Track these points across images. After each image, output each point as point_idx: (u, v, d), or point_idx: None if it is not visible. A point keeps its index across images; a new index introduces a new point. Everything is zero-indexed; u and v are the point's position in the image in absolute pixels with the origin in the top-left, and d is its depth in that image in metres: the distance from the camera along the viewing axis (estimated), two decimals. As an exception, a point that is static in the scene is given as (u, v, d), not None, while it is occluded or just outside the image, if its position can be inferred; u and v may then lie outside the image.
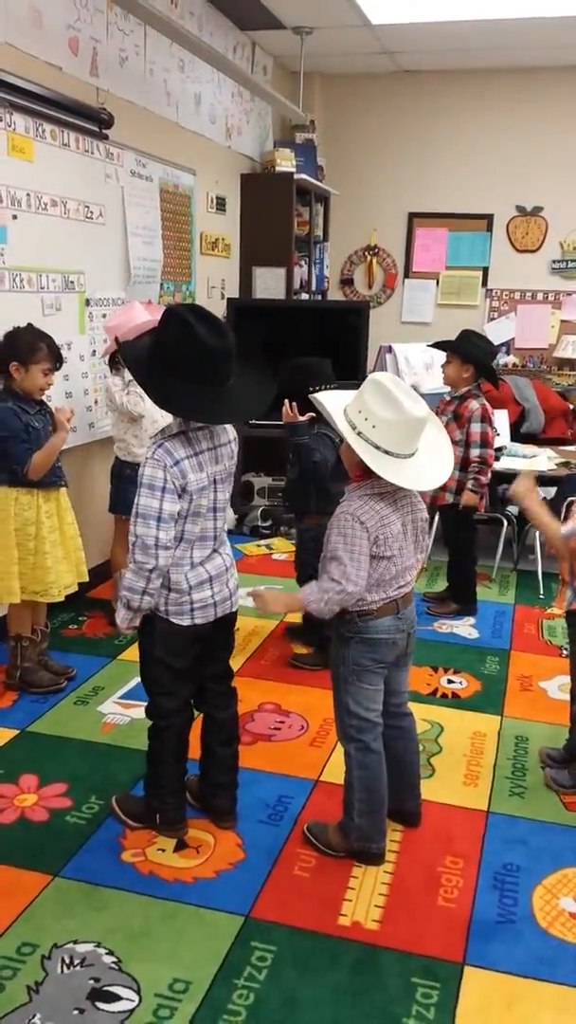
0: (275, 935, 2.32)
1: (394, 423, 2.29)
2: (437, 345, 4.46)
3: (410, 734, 2.76)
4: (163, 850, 2.64)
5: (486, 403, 4.38)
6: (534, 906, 2.46)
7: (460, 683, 3.83)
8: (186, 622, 2.51)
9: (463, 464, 4.34)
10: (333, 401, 2.44)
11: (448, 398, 4.43)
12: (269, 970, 2.20)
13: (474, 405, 4.31)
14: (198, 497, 2.40)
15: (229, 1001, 2.11)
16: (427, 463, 2.41)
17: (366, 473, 2.38)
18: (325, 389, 3.40)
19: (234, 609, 2.66)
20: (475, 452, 4.31)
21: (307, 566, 3.70)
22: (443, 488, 4.38)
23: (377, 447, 2.30)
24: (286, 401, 3.55)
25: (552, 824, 2.83)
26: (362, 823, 2.59)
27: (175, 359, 2.32)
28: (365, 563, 2.36)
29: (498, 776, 3.10)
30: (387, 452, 2.31)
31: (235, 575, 2.65)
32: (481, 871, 2.60)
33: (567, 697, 3.11)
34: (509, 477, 4.78)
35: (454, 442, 4.31)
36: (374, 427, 2.30)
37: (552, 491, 5.01)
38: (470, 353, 4.34)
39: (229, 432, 2.54)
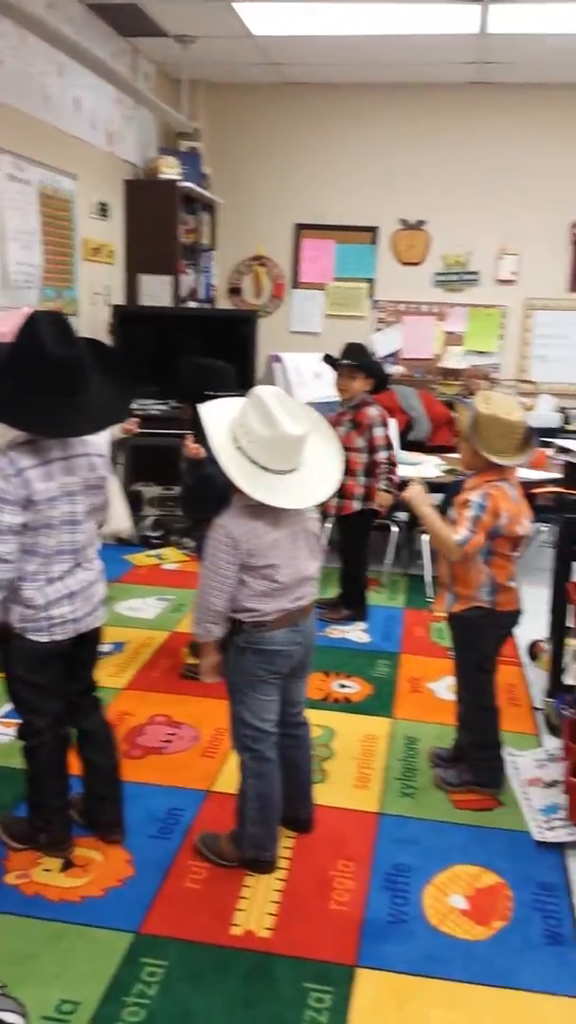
0: (166, 950, 2.27)
1: (268, 439, 2.28)
2: (332, 362, 4.49)
3: (305, 743, 2.76)
4: (49, 870, 2.55)
5: (382, 408, 4.49)
6: (425, 905, 2.48)
7: (352, 687, 3.85)
8: (44, 638, 2.42)
9: (368, 470, 4.45)
10: (222, 412, 2.41)
11: (343, 408, 4.49)
12: (160, 985, 2.15)
13: (374, 412, 4.45)
14: (47, 508, 2.31)
15: (118, 1019, 2.05)
16: (309, 479, 2.39)
17: (238, 490, 2.37)
18: (223, 394, 3.38)
19: (98, 624, 2.58)
20: (383, 455, 4.45)
21: None
22: (349, 496, 4.47)
23: (254, 462, 2.30)
24: (188, 439, 3.52)
25: (442, 823, 2.87)
26: (254, 831, 2.57)
27: (21, 368, 2.25)
28: (229, 579, 2.37)
29: (389, 778, 3.13)
30: (264, 468, 2.30)
31: (102, 590, 2.58)
32: (373, 873, 2.61)
33: (455, 697, 3.16)
34: (399, 484, 4.87)
35: (355, 449, 4.42)
36: (251, 442, 2.30)
37: (439, 497, 5.11)
38: (372, 368, 4.53)
39: (88, 443, 2.44)
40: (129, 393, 2.55)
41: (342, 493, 4.46)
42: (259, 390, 2.34)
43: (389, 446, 4.49)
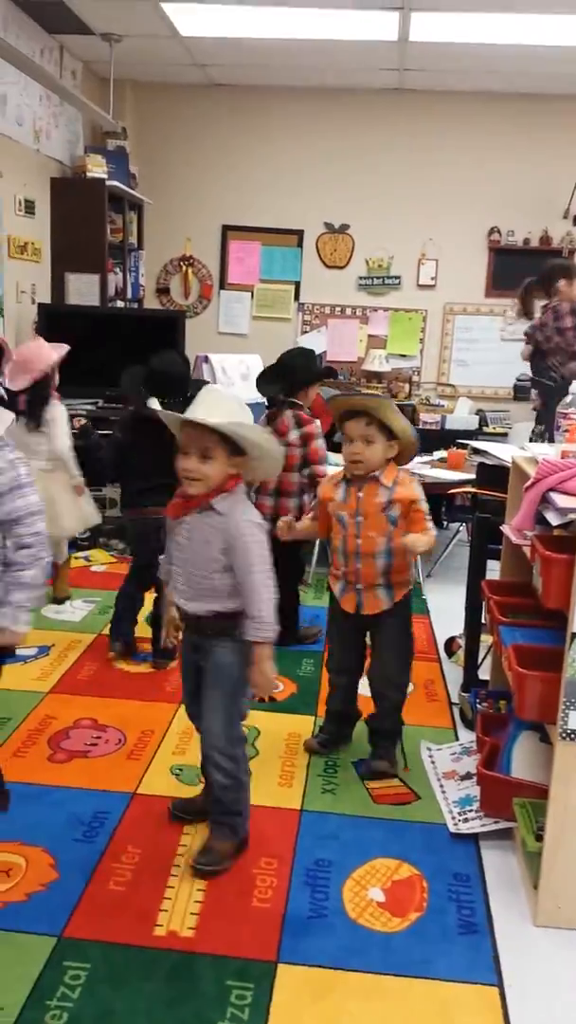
0: (89, 952, 2.29)
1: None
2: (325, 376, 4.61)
3: None
4: (-30, 877, 2.55)
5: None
6: (344, 899, 2.55)
7: (276, 686, 3.91)
8: None
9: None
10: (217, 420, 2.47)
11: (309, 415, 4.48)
12: (83, 988, 2.18)
13: (315, 426, 4.46)
14: None
15: (41, 1023, 2.07)
16: None
17: (234, 479, 2.49)
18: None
19: None
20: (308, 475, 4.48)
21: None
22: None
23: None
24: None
25: (361, 818, 2.95)
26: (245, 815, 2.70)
27: None
28: None
29: (311, 775, 3.19)
30: None
31: None
32: (294, 869, 2.67)
33: (379, 690, 3.28)
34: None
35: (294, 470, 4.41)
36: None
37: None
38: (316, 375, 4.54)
39: None
40: None
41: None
42: (212, 387, 2.61)
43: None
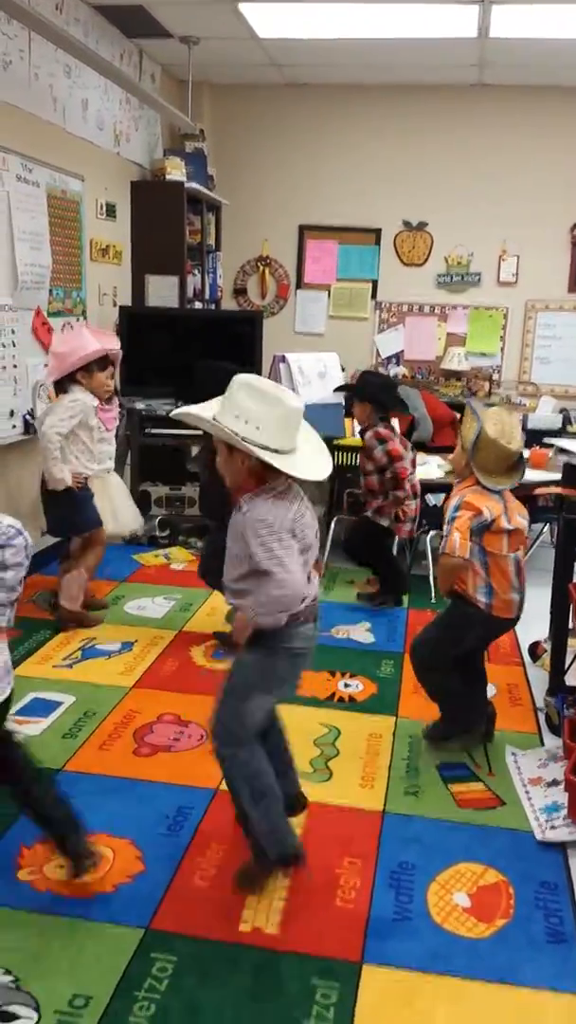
0: (175, 945, 2.31)
1: (278, 417, 2.25)
2: (342, 388, 4.89)
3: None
4: (62, 867, 2.59)
5: (379, 428, 4.65)
6: (429, 902, 2.53)
7: (356, 686, 3.90)
8: None
9: (382, 491, 4.68)
10: (205, 410, 2.36)
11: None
12: (170, 980, 2.20)
13: (368, 435, 4.65)
14: None
15: (130, 1014, 2.09)
16: (311, 455, 2.38)
17: (258, 480, 2.34)
18: None
19: None
20: (389, 474, 4.63)
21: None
22: (364, 510, 4.77)
23: (266, 448, 2.25)
24: None
25: (444, 821, 2.91)
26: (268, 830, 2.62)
27: None
28: (298, 561, 2.33)
29: (393, 776, 3.17)
30: (276, 451, 2.26)
31: None
32: (378, 870, 2.65)
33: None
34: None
35: (369, 473, 4.66)
36: (258, 428, 2.24)
37: (441, 497, 5.16)
38: (366, 393, 4.70)
39: None
40: None
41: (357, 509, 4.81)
42: (242, 377, 2.31)
43: (391, 460, 4.59)
